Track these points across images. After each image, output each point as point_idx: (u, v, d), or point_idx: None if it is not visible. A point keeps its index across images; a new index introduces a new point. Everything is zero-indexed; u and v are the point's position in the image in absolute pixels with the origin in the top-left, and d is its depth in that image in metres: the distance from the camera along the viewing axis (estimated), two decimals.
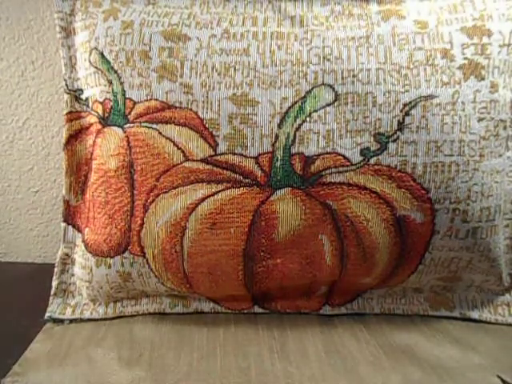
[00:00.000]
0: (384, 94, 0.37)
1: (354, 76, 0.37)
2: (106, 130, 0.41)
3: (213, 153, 0.38)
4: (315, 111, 0.37)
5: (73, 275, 0.45)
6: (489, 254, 0.40)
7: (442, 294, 0.43)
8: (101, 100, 0.41)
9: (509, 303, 0.43)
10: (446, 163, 0.37)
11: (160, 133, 0.38)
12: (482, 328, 0.41)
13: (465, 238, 0.38)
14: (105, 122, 0.41)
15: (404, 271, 0.40)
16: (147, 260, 0.39)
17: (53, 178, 0.57)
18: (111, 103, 0.40)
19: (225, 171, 0.38)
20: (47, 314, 0.43)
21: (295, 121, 0.37)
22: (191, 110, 0.38)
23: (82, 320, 0.43)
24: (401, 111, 0.36)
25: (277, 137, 0.37)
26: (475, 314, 0.42)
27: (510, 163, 0.40)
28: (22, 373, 0.35)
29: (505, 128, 0.39)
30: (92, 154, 0.43)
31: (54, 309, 0.43)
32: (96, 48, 0.41)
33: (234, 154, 0.37)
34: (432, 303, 0.43)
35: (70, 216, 0.45)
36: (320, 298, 0.43)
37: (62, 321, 0.42)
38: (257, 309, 0.43)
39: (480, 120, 0.37)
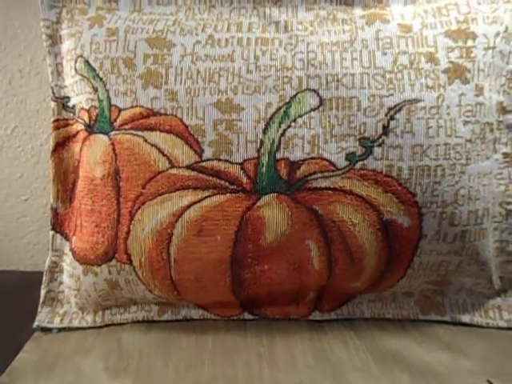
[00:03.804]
0: (368, 99, 0.36)
1: (338, 81, 0.37)
2: (91, 137, 0.41)
3: (198, 159, 0.38)
4: (300, 116, 0.37)
5: (61, 283, 0.44)
6: (478, 258, 0.39)
7: (433, 298, 0.43)
8: (87, 107, 0.41)
9: (499, 306, 0.42)
10: (431, 167, 0.36)
11: (145, 140, 0.38)
12: (472, 332, 0.41)
13: (453, 242, 0.38)
14: (91, 129, 0.41)
15: (393, 276, 0.40)
16: (134, 268, 0.39)
17: (42, 186, 0.57)
18: (97, 110, 0.40)
19: (210, 178, 0.37)
20: (36, 323, 0.42)
21: (280, 126, 0.37)
22: (176, 116, 0.38)
23: (70, 329, 0.42)
24: (386, 115, 0.36)
25: (262, 142, 0.37)
26: (466, 318, 0.42)
27: (498, 166, 0.40)
28: (9, 383, 0.35)
29: (491, 131, 0.39)
30: (79, 161, 0.42)
31: (42, 317, 0.43)
32: (81, 55, 0.41)
33: (220, 160, 0.37)
34: (422, 307, 0.43)
35: (58, 224, 0.45)
36: (309, 303, 0.42)
37: (50, 330, 0.42)
38: (246, 315, 0.43)
39: (465, 123, 0.37)
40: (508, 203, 0.41)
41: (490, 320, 0.42)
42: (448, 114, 0.37)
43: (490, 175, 0.39)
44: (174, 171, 0.38)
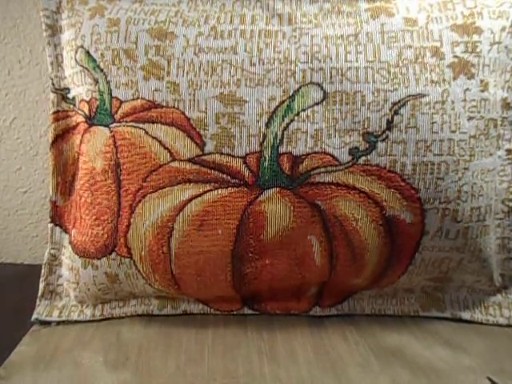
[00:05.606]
0: (373, 93, 0.36)
1: (342, 74, 0.36)
2: (92, 129, 0.40)
3: (200, 152, 0.37)
4: (303, 110, 0.36)
5: (60, 277, 0.44)
6: (479, 255, 0.39)
7: (433, 295, 0.43)
8: (87, 99, 0.41)
9: (500, 303, 0.42)
10: (435, 163, 0.36)
11: (146, 132, 0.38)
12: (472, 329, 0.41)
13: (455, 239, 0.38)
14: (91, 121, 0.40)
15: (394, 272, 0.40)
16: (134, 261, 0.39)
17: (41, 178, 0.56)
18: (97, 102, 0.40)
19: (212, 171, 0.37)
20: (34, 316, 0.42)
21: (283, 120, 0.37)
22: (178, 109, 0.37)
23: (69, 322, 0.42)
24: (390, 110, 0.36)
25: (264, 136, 0.37)
26: (466, 315, 0.42)
27: (502, 162, 0.40)
28: (7, 376, 0.35)
29: (495, 127, 0.39)
30: (79, 154, 0.42)
31: (41, 311, 0.43)
32: (82, 46, 0.40)
33: (222, 153, 0.37)
34: (423, 304, 0.43)
35: (58, 217, 0.44)
36: (310, 299, 0.42)
37: (49, 323, 0.42)
38: (246, 310, 0.43)
39: (470, 119, 0.37)
40: (510, 200, 0.41)
41: (490, 317, 0.42)
42: (453, 109, 0.36)
43: (493, 172, 0.39)
44: (175, 164, 0.37)
